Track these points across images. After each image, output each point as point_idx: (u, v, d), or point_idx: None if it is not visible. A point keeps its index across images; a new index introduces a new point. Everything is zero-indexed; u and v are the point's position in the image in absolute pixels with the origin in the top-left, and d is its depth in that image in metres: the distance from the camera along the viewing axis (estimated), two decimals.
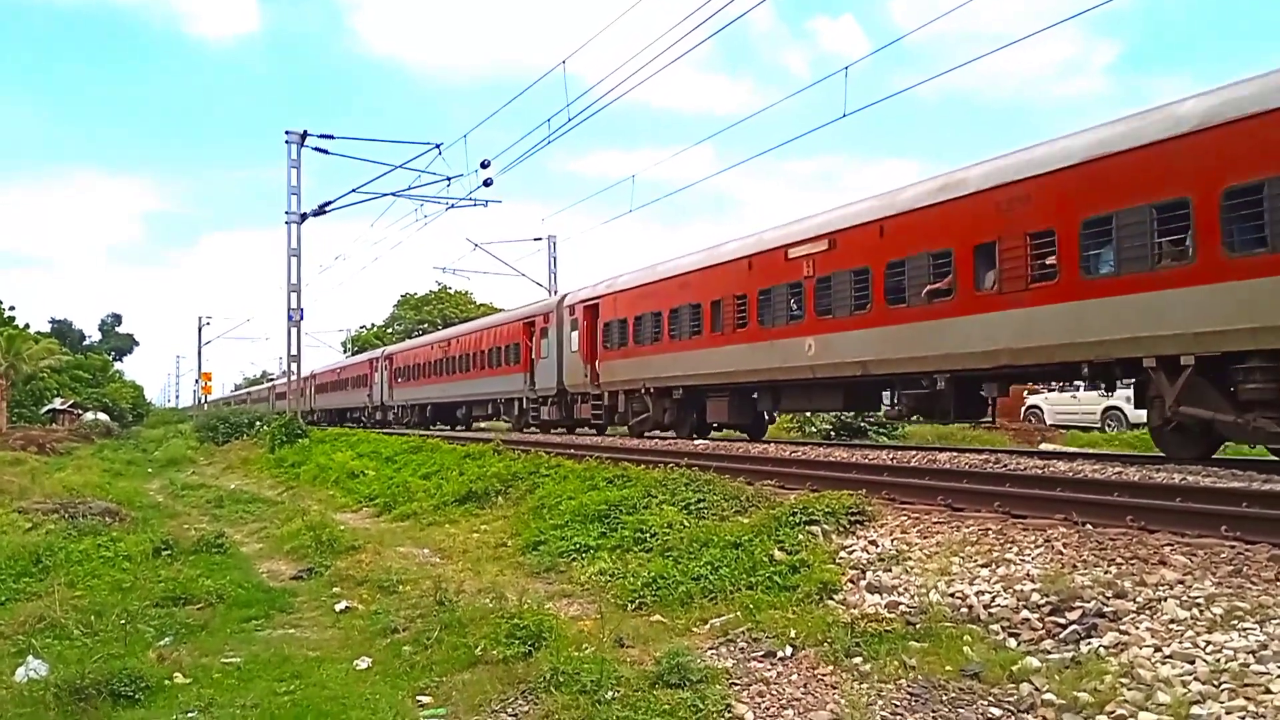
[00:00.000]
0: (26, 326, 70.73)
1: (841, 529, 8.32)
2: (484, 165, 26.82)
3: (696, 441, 18.59)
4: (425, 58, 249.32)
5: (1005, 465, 11.01)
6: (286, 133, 31.84)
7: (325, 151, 31.71)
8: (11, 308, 69.31)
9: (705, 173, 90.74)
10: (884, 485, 9.77)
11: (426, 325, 67.37)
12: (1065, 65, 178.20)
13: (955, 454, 13.75)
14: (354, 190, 32.04)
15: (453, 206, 31.05)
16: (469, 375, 33.05)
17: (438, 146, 28.42)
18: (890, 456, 13.33)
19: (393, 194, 31.36)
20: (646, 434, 21.90)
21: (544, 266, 42.50)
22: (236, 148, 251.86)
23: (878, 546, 7.77)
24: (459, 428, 35.39)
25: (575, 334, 24.68)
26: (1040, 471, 10.06)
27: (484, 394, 31.82)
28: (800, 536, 8.13)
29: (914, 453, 14.42)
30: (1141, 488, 8.29)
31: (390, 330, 75.77)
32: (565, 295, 26.87)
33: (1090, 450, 17.32)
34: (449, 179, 29.16)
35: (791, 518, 8.50)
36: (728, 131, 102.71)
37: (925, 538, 7.75)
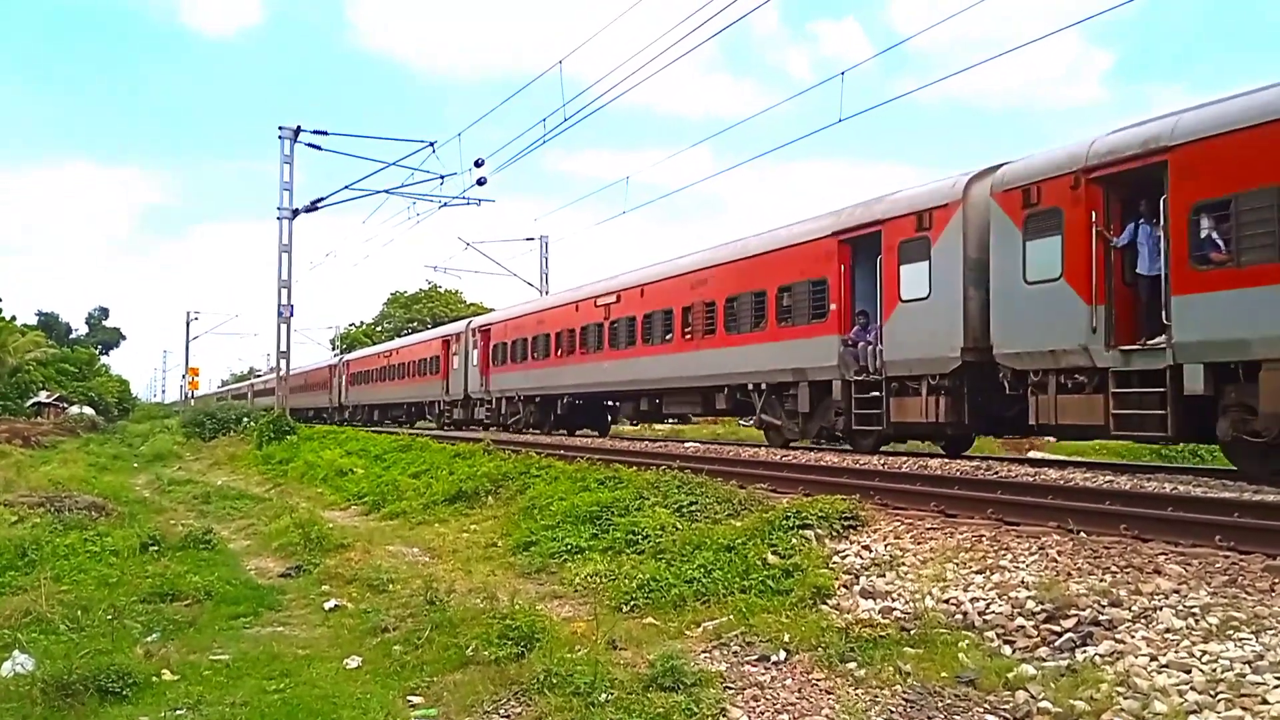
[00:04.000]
0: (13, 319, 70.07)
1: (834, 533, 8.30)
2: (478, 164, 26.61)
3: (687, 444, 18.66)
4: (422, 54, 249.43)
5: (997, 472, 11.04)
6: (280, 128, 31.57)
7: (318, 148, 31.53)
8: None
9: (700, 175, 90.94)
10: (876, 490, 9.77)
11: (416, 324, 67.11)
12: (1063, 73, 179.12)
13: (946, 460, 13.76)
14: (346, 187, 31.78)
15: (445, 205, 30.91)
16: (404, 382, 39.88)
17: (431, 144, 28.24)
18: (881, 462, 13.31)
19: (385, 191, 31.19)
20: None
21: (536, 266, 42.46)
22: (229, 140, 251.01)
23: (871, 552, 7.76)
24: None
25: (475, 351, 31.36)
26: (1032, 479, 10.07)
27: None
28: (793, 540, 8.12)
29: (905, 459, 14.42)
30: (1134, 496, 8.33)
31: (380, 328, 75.50)
32: (471, 320, 33.82)
33: (1080, 459, 17.35)
34: (442, 177, 29.03)
35: (784, 521, 8.49)
36: (725, 134, 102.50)
37: (919, 543, 7.74)
